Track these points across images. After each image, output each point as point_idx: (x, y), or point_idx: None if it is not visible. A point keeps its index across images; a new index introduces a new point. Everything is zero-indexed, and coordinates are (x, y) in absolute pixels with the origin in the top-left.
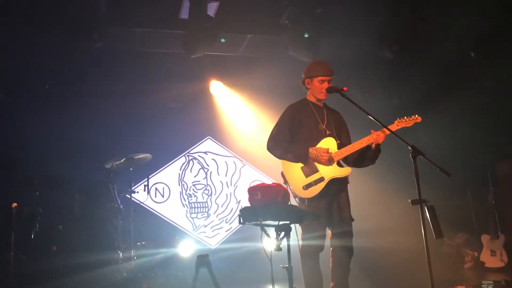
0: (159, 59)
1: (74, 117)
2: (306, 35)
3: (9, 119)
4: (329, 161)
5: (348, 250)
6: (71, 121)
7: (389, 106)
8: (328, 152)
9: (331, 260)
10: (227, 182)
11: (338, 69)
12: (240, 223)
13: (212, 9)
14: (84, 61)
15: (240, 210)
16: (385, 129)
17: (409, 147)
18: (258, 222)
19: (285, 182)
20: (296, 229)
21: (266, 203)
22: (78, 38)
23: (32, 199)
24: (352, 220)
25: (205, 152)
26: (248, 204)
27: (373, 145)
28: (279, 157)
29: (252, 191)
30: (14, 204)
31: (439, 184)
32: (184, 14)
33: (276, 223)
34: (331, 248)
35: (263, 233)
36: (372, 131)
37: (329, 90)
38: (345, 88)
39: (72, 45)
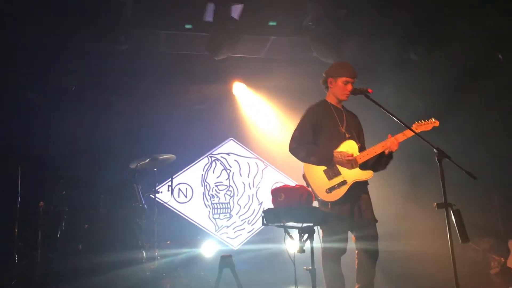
0: (183, 61)
1: (100, 118)
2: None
3: (37, 120)
4: (352, 165)
5: (373, 253)
6: (97, 122)
7: (414, 109)
8: (352, 156)
9: (356, 262)
10: (249, 183)
11: (361, 70)
12: (263, 224)
13: (236, 11)
14: (110, 62)
15: (263, 212)
16: (406, 132)
17: (434, 150)
18: (282, 224)
19: (308, 185)
20: (318, 232)
21: (289, 205)
22: (104, 41)
23: (59, 199)
24: (376, 221)
25: (227, 153)
26: (271, 206)
27: (386, 152)
28: (302, 160)
29: (276, 192)
30: (41, 203)
31: (465, 187)
32: (209, 16)
33: (299, 225)
34: (356, 251)
35: (286, 234)
36: (389, 135)
37: (354, 92)
38: (370, 90)
39: (98, 47)
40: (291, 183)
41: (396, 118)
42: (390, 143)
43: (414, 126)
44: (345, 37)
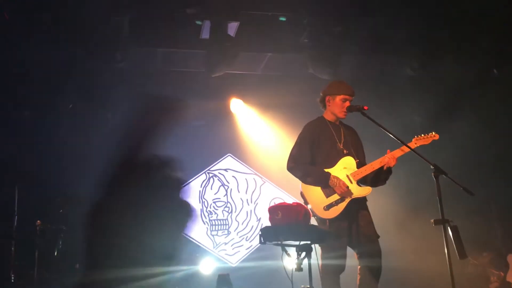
0: (180, 78)
1: (97, 136)
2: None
3: (33, 138)
4: (346, 193)
5: (376, 269)
6: (94, 140)
7: (410, 123)
8: (347, 188)
9: (358, 278)
10: (247, 200)
11: (358, 86)
12: (260, 242)
13: (232, 29)
14: (107, 80)
15: (261, 230)
16: (404, 148)
17: (431, 166)
18: (279, 242)
19: (305, 202)
20: (316, 249)
21: (287, 223)
22: (101, 58)
23: (56, 217)
24: (378, 237)
25: (225, 169)
26: (269, 224)
27: (385, 167)
28: (299, 179)
29: (273, 210)
30: (38, 222)
31: (463, 201)
32: (205, 34)
33: (297, 243)
34: (359, 267)
35: (284, 252)
36: (388, 151)
37: (350, 109)
38: (365, 107)
39: (95, 65)
40: (289, 198)
41: (392, 134)
42: (388, 158)
43: (414, 140)
44: (341, 54)
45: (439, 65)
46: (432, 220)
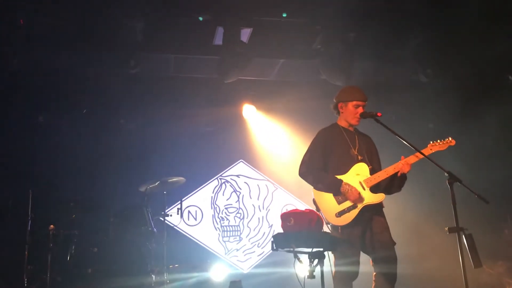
0: (193, 84)
1: (110, 141)
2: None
3: (47, 143)
4: (358, 200)
5: (391, 276)
6: (107, 145)
7: (424, 130)
8: (358, 194)
9: (373, 285)
10: (259, 206)
11: (371, 93)
12: (273, 249)
13: (245, 35)
14: (121, 86)
15: (273, 236)
16: (418, 154)
17: (445, 174)
18: (291, 249)
19: (317, 209)
20: (329, 256)
21: (299, 230)
22: (115, 65)
23: (69, 222)
24: (394, 243)
25: (237, 175)
26: (281, 230)
27: (399, 173)
28: (311, 184)
29: (285, 217)
30: (51, 227)
31: (478, 209)
32: (218, 40)
33: (309, 250)
34: (374, 273)
35: (296, 260)
36: (402, 157)
37: (363, 116)
38: (379, 114)
39: (109, 71)
40: (301, 205)
41: (405, 141)
42: (402, 165)
43: (429, 146)
44: (354, 60)
45: (453, 71)
46: (446, 228)
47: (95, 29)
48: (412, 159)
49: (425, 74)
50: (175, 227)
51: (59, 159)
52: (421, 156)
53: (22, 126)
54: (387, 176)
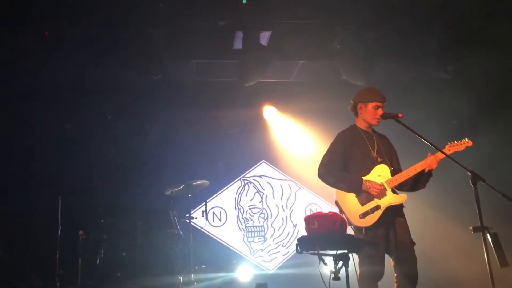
0: (214, 88)
1: (135, 146)
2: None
3: (74, 149)
4: (381, 194)
5: (412, 276)
6: (132, 150)
7: (447, 128)
8: (381, 186)
9: (395, 286)
10: (282, 206)
11: (392, 91)
12: (297, 252)
13: (264, 38)
14: (144, 92)
15: (297, 239)
16: (439, 153)
17: (468, 173)
18: (316, 251)
19: (341, 211)
20: (353, 258)
21: (323, 232)
22: (138, 71)
23: (97, 227)
24: (414, 244)
25: (260, 176)
26: (305, 233)
27: (426, 169)
28: (332, 186)
29: (309, 220)
30: (81, 232)
31: (501, 208)
32: (238, 44)
33: (334, 252)
34: (395, 275)
35: (321, 262)
36: (429, 154)
37: (384, 117)
38: (400, 115)
39: (132, 78)
40: (325, 204)
41: (427, 141)
42: (430, 161)
43: (447, 147)
44: (373, 59)
45: (475, 67)
46: (470, 227)
47: (119, 37)
48: (441, 155)
49: (445, 71)
50: (200, 229)
51: (86, 165)
52: (441, 157)
53: (50, 133)
54: (408, 177)
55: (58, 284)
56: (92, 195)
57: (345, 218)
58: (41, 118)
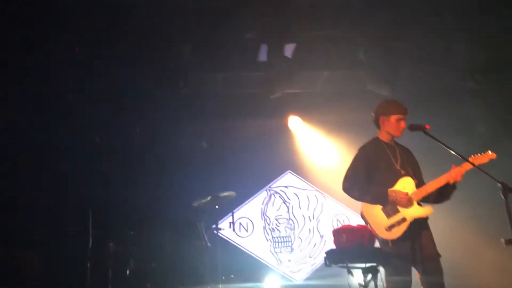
0: (239, 100)
1: (163, 159)
2: None
3: (104, 162)
4: (408, 203)
5: None
6: (160, 163)
7: (474, 138)
8: (407, 195)
9: None
10: (309, 216)
11: (417, 101)
12: (326, 265)
13: (289, 50)
14: (171, 105)
15: (326, 252)
16: (464, 165)
17: (498, 184)
18: (345, 265)
19: (366, 223)
20: (381, 270)
21: (351, 246)
22: (165, 86)
23: (127, 239)
24: (440, 256)
25: (286, 186)
26: (333, 246)
27: (451, 182)
28: (357, 199)
29: (337, 233)
30: (111, 244)
31: None
32: (263, 57)
33: (362, 265)
34: None
35: (350, 275)
36: (453, 166)
37: (412, 128)
38: (427, 126)
39: (159, 92)
40: (352, 214)
41: (455, 152)
42: (455, 173)
43: (470, 160)
44: (398, 69)
45: (503, 75)
46: (502, 240)
47: (146, 53)
48: (467, 166)
49: (473, 80)
50: (228, 240)
51: (115, 177)
52: (468, 168)
53: (80, 146)
54: (433, 190)
55: None
56: (122, 207)
57: (374, 231)
58: (71, 133)
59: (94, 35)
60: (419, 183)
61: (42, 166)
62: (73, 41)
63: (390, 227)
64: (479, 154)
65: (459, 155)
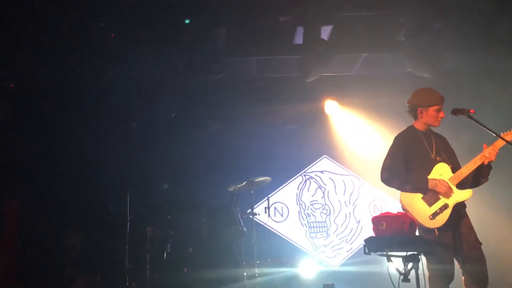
0: (275, 84)
1: (198, 143)
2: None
3: (141, 147)
4: (448, 190)
5: (482, 278)
6: (195, 147)
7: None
8: (447, 185)
9: None
10: (345, 202)
11: (460, 84)
12: (365, 253)
13: (325, 32)
14: (206, 90)
15: (365, 240)
16: (496, 143)
17: None
18: (384, 253)
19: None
20: (422, 259)
21: (391, 234)
22: (200, 72)
23: (164, 223)
24: (481, 244)
25: (321, 171)
26: (372, 233)
27: (486, 162)
28: (397, 188)
29: (377, 221)
30: (149, 229)
31: None
32: (298, 39)
33: (403, 253)
34: (463, 278)
35: (389, 264)
36: (484, 145)
37: (455, 113)
38: (472, 111)
39: (194, 78)
40: (390, 199)
41: (501, 137)
42: (489, 153)
43: (503, 136)
44: (440, 50)
45: None
46: None
47: (180, 38)
48: (500, 143)
49: None
50: (263, 224)
51: (152, 162)
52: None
53: (117, 132)
54: (469, 172)
55: (127, 278)
56: (159, 192)
57: (415, 219)
58: (109, 118)
59: (130, 22)
60: (455, 169)
61: (81, 152)
62: (110, 28)
63: (434, 215)
64: (509, 131)
65: (505, 140)
